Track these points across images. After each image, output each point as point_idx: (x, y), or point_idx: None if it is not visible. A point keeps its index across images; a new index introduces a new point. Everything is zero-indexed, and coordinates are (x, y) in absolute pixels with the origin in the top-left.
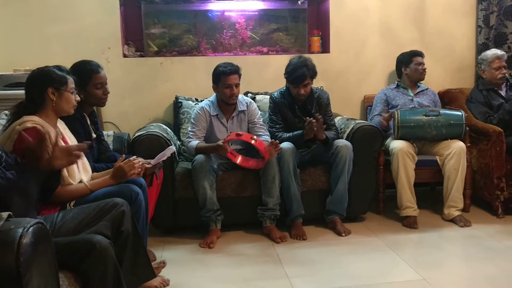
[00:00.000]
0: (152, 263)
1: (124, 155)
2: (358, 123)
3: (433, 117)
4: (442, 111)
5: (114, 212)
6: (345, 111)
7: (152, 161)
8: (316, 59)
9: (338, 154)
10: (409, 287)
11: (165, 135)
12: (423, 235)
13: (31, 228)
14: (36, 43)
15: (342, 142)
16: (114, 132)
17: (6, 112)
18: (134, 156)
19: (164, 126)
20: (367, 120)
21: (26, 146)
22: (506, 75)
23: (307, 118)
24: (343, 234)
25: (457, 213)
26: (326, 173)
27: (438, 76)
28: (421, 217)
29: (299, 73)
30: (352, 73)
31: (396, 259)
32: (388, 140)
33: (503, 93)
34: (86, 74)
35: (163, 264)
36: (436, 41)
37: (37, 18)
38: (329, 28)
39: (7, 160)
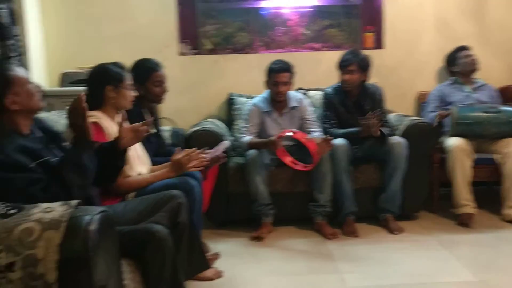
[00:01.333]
0: (206, 255)
1: (180, 148)
2: (413, 120)
3: (493, 114)
4: (503, 107)
5: (172, 204)
6: (399, 107)
7: (207, 156)
8: (370, 54)
9: (392, 151)
10: None
11: (218, 130)
12: (479, 235)
13: (97, 215)
14: (98, 43)
15: (396, 139)
16: (171, 127)
17: None
18: (194, 148)
19: (218, 122)
20: (421, 117)
21: (71, 121)
22: None
23: (364, 117)
24: (396, 232)
25: None
26: (379, 170)
27: (497, 72)
28: (477, 217)
29: (345, 58)
30: (406, 69)
31: (450, 259)
32: (444, 137)
33: None
34: (146, 71)
35: (216, 256)
36: (497, 35)
37: (98, 19)
38: (383, 23)
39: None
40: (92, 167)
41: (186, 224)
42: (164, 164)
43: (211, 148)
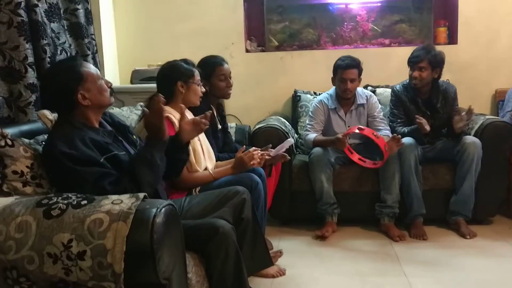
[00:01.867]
0: (270, 252)
1: (244, 146)
2: (488, 119)
3: None
4: None
5: (236, 200)
6: (474, 106)
7: (272, 153)
8: (442, 50)
9: (465, 151)
10: None
11: (283, 128)
12: None
13: (163, 208)
14: (166, 41)
15: (470, 139)
16: (236, 124)
17: (141, 103)
18: (253, 148)
19: (283, 119)
20: (498, 116)
21: (146, 119)
22: None
23: (425, 113)
24: (468, 237)
25: None
26: (450, 171)
27: None
28: None
29: (416, 54)
30: (482, 65)
31: None
32: None
33: None
34: (210, 66)
35: (280, 253)
36: None
37: (167, 18)
38: (457, 17)
39: (141, 144)
40: (163, 165)
41: (250, 220)
42: (228, 161)
43: (274, 146)
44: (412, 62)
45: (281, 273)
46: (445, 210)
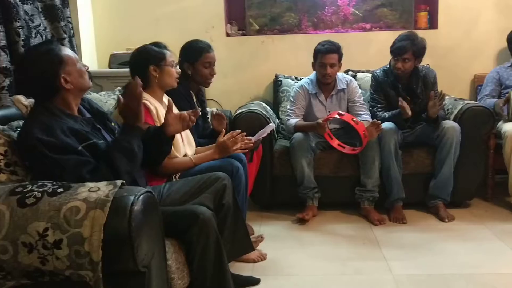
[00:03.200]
0: (251, 237)
1: (224, 131)
2: (467, 103)
3: None
4: None
5: (217, 185)
6: (453, 90)
7: (253, 138)
8: (423, 35)
9: (444, 136)
10: None
11: (265, 113)
12: None
13: (141, 196)
14: (146, 24)
15: (449, 124)
16: (217, 109)
17: (119, 88)
18: (238, 130)
19: (264, 104)
20: (476, 101)
21: (123, 105)
22: None
23: (405, 98)
24: (446, 220)
25: None
26: (430, 156)
27: None
28: None
29: (401, 44)
30: (462, 50)
31: (505, 250)
32: (500, 122)
33: None
34: (198, 51)
35: (261, 238)
36: None
37: (147, 0)
38: (437, 2)
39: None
40: (140, 153)
41: (231, 206)
42: (209, 146)
43: (256, 131)
44: (396, 53)
45: (262, 257)
46: (424, 194)
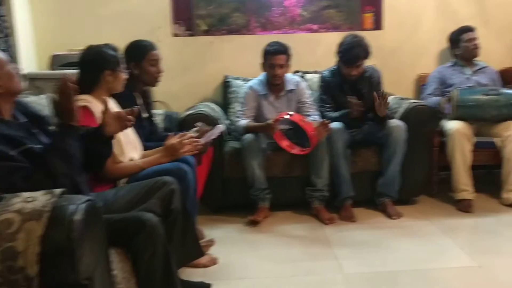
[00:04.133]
0: (201, 241)
1: (173, 133)
2: (412, 102)
3: (493, 97)
4: (503, 90)
5: (164, 190)
6: (398, 90)
7: (201, 140)
8: (369, 36)
9: (390, 134)
10: (463, 274)
11: (214, 114)
12: (479, 220)
13: (82, 205)
14: (89, 24)
15: (395, 123)
16: (164, 111)
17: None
18: (190, 132)
19: (213, 106)
20: (421, 100)
21: (55, 103)
22: None
23: (352, 97)
24: (394, 217)
25: None
26: (377, 154)
27: (499, 54)
28: (477, 201)
29: (353, 54)
30: (406, 50)
31: (449, 244)
32: (444, 120)
33: None
34: (142, 50)
35: (211, 242)
36: (498, 15)
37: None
38: (382, 4)
39: None
40: (78, 154)
41: (179, 211)
42: (156, 149)
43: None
44: (352, 63)
45: (213, 262)
46: (372, 192)
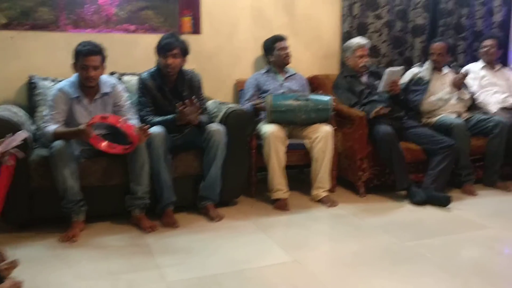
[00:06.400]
0: (2, 264)
1: None
2: (230, 107)
3: (303, 102)
4: (311, 96)
5: None
6: (218, 94)
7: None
8: (188, 39)
9: (211, 138)
10: (282, 270)
11: (16, 119)
12: (292, 216)
13: None
14: None
15: (215, 127)
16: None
17: None
18: None
19: (15, 109)
20: (239, 104)
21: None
22: (367, 64)
23: (179, 103)
24: (216, 220)
25: (324, 194)
26: (198, 158)
27: (307, 62)
28: (291, 199)
29: (168, 41)
30: (225, 55)
31: (268, 242)
32: (260, 124)
33: (364, 79)
34: None
35: (14, 263)
36: (305, 28)
37: None
38: (200, 8)
39: None
40: None
41: None
42: None
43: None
44: (165, 49)
45: (17, 286)
46: (195, 196)
